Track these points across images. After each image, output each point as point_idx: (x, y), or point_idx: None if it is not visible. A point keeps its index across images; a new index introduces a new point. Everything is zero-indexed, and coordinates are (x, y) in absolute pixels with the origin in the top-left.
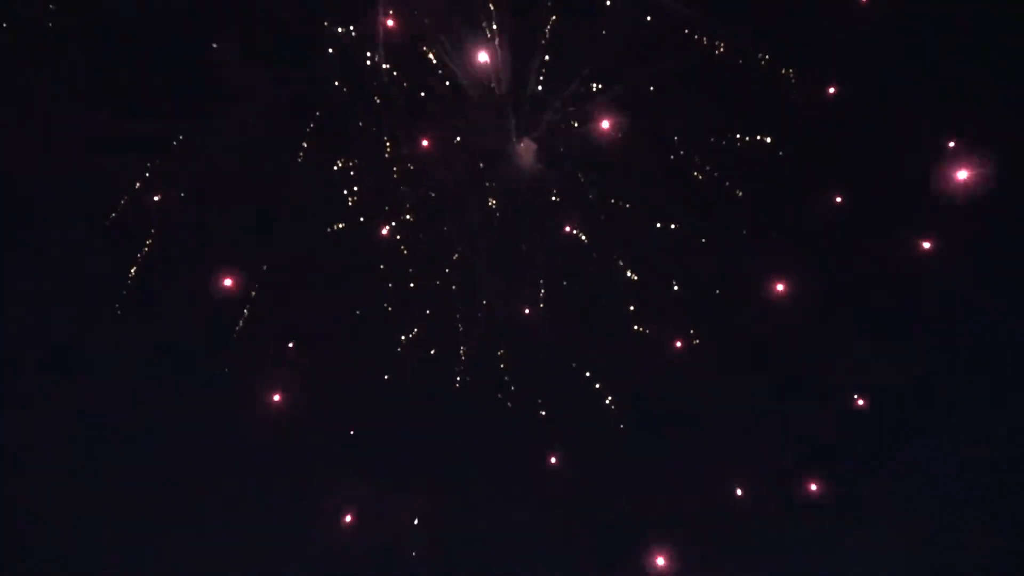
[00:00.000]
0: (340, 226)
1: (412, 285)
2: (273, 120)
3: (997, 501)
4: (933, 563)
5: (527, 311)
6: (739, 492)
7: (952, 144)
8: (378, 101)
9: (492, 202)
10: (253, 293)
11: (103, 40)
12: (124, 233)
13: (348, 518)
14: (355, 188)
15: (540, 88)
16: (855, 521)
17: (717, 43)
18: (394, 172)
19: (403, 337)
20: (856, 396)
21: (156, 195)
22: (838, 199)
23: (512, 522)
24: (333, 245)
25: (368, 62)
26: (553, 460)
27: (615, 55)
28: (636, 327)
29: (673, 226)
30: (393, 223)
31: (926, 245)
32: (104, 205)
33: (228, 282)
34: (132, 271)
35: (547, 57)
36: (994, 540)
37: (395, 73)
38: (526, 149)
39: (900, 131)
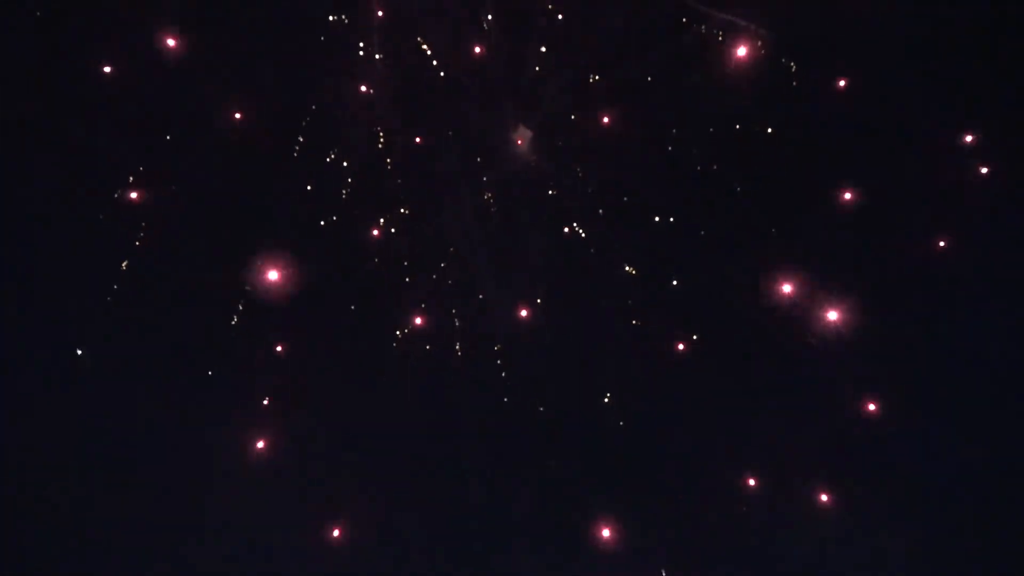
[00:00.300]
0: (333, 219)
1: (407, 280)
2: (264, 112)
3: (997, 501)
4: (933, 563)
5: (524, 306)
6: (739, 492)
7: (969, 139)
8: (371, 92)
9: (488, 195)
10: (248, 287)
11: (94, 36)
12: (113, 230)
13: (336, 532)
14: (348, 180)
15: (536, 76)
16: (856, 522)
17: (718, 32)
18: (387, 163)
19: (398, 333)
20: (866, 401)
21: (146, 191)
22: (847, 196)
23: (510, 523)
24: (326, 239)
25: (361, 52)
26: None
27: (613, 44)
28: (635, 323)
29: (672, 219)
30: (388, 215)
31: (941, 244)
32: (94, 202)
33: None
34: (124, 265)
35: (543, 49)
36: (994, 540)
37: (388, 62)
38: (522, 137)
39: (914, 126)
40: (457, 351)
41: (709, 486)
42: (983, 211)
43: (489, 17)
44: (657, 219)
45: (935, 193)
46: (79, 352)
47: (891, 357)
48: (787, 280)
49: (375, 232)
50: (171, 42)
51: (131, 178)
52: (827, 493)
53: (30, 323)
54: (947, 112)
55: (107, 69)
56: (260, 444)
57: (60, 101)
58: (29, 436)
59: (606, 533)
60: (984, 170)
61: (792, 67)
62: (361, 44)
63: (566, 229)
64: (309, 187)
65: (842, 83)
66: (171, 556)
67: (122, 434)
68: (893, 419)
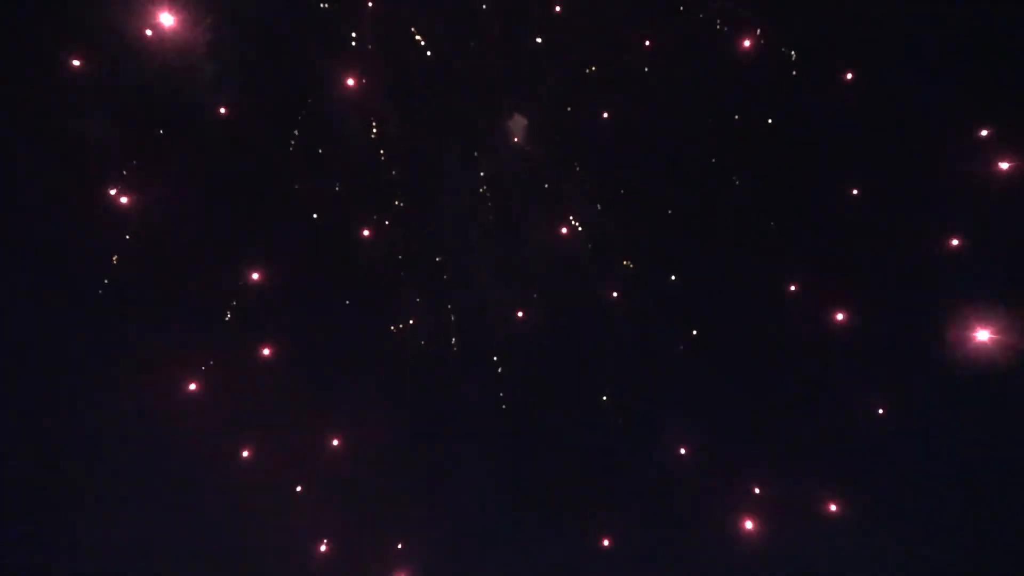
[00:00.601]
0: (327, 213)
1: (403, 274)
2: (255, 105)
3: (997, 501)
4: (933, 563)
5: (521, 301)
6: (737, 491)
7: (984, 133)
8: (364, 82)
9: (483, 188)
10: (242, 282)
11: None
12: (105, 229)
13: (323, 548)
14: (342, 173)
15: (533, 67)
16: (856, 522)
17: (718, 22)
18: (381, 154)
19: (393, 328)
20: (867, 400)
21: (137, 186)
22: (855, 192)
23: (505, 522)
24: (319, 234)
25: (353, 43)
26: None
27: (611, 34)
28: (634, 317)
29: (670, 212)
30: (383, 209)
31: (944, 242)
32: (85, 197)
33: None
34: (114, 259)
35: (539, 40)
36: (994, 540)
37: (382, 52)
38: (516, 124)
39: (925, 121)
40: (453, 346)
41: (708, 484)
42: (989, 208)
43: (484, 7)
44: (656, 213)
45: (940, 190)
46: (72, 342)
47: (891, 357)
48: (787, 275)
49: (370, 226)
50: (160, 33)
51: (124, 172)
52: (827, 493)
53: (18, 319)
54: (975, 104)
55: (79, 62)
56: (253, 442)
57: (48, 95)
58: (14, 433)
59: (604, 528)
60: (1004, 166)
61: (792, 56)
62: (354, 35)
63: (564, 229)
64: (302, 180)
65: (849, 76)
66: (161, 556)
67: (112, 431)
68: (893, 419)
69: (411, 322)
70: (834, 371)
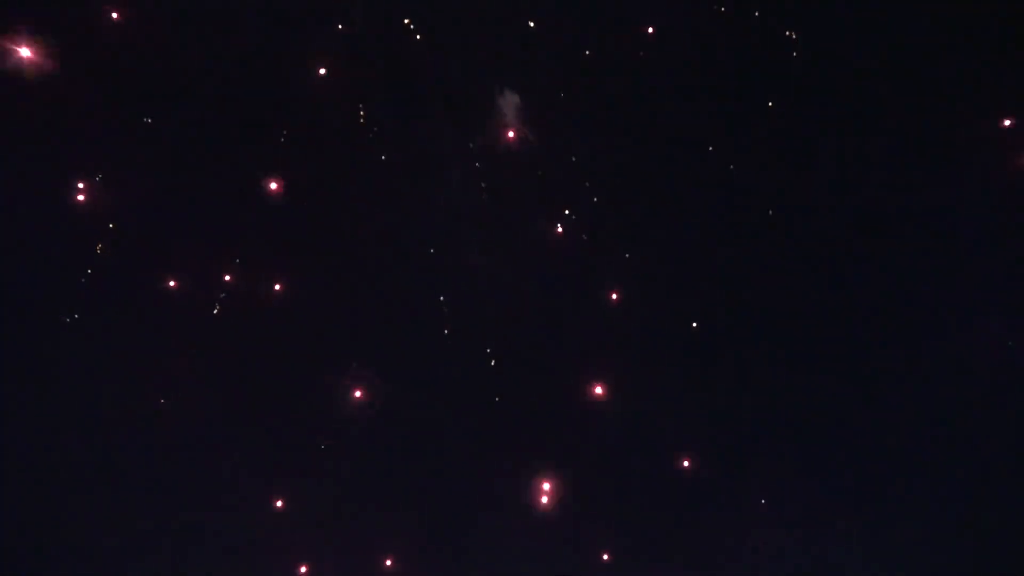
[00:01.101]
0: (314, 201)
1: (394, 266)
2: (244, 94)
3: (997, 501)
4: (933, 563)
5: (515, 292)
6: (735, 491)
7: (1008, 124)
8: (352, 66)
9: (477, 179)
10: (229, 273)
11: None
12: (88, 218)
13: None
14: (329, 160)
15: (527, 53)
16: (856, 522)
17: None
18: (371, 135)
19: (384, 319)
20: (864, 398)
21: (120, 181)
22: (860, 182)
23: (501, 530)
24: (307, 223)
25: (340, 27)
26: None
27: (605, 18)
28: (631, 310)
29: (670, 204)
30: (372, 197)
31: (962, 240)
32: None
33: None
34: (99, 248)
35: (532, 24)
36: (994, 540)
37: (370, 36)
38: (508, 103)
39: (936, 108)
40: (445, 335)
41: (706, 484)
42: (1001, 205)
43: None
44: (653, 203)
45: (948, 183)
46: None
47: (894, 355)
48: (790, 269)
49: (360, 215)
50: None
51: (107, 161)
52: (829, 493)
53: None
54: (969, 96)
55: (56, 46)
56: (242, 439)
57: (29, 81)
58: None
59: (603, 535)
60: None
61: (792, 37)
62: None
63: (559, 220)
64: (289, 169)
65: (853, 63)
66: (150, 557)
67: (101, 430)
68: (890, 418)
69: (402, 313)
70: (836, 370)
